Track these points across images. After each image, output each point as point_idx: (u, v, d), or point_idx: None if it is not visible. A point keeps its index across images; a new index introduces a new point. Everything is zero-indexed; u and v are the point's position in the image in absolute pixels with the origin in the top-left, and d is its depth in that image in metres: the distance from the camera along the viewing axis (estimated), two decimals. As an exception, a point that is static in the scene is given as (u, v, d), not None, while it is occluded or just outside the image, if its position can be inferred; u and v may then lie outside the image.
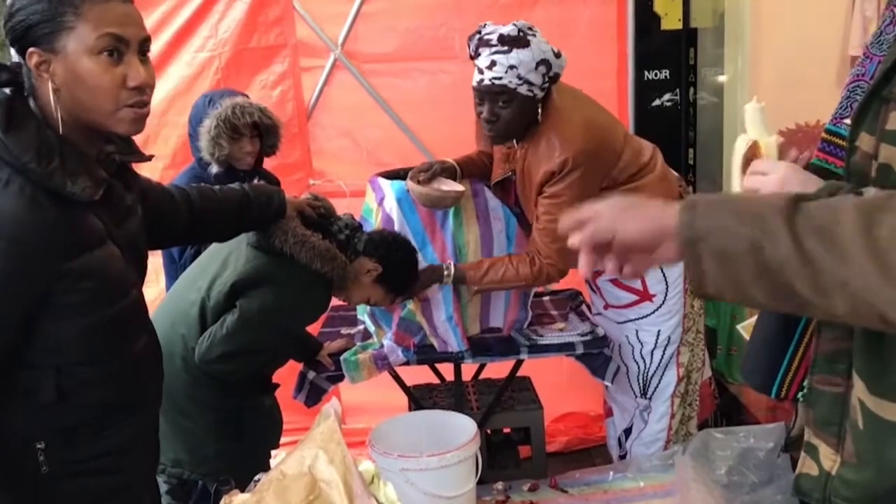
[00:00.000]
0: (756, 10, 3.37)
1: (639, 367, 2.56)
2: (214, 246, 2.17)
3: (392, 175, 2.52)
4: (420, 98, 3.34)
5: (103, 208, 1.35)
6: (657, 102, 3.39)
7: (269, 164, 3.20)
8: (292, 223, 1.97)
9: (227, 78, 3.22)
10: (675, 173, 2.54)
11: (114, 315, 1.36)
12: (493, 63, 2.14)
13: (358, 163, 3.38)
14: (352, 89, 3.36)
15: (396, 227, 2.40)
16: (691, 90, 3.41)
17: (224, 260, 2.06)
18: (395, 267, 2.24)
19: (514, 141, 2.34)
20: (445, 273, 2.36)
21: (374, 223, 2.49)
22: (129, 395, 1.43)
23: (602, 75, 3.25)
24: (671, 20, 3.34)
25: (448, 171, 2.46)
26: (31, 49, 1.26)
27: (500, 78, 2.14)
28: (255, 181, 2.65)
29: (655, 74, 3.36)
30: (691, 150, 3.45)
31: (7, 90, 1.29)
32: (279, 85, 3.31)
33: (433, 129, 3.35)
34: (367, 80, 3.35)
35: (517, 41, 2.12)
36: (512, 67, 2.13)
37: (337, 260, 2.03)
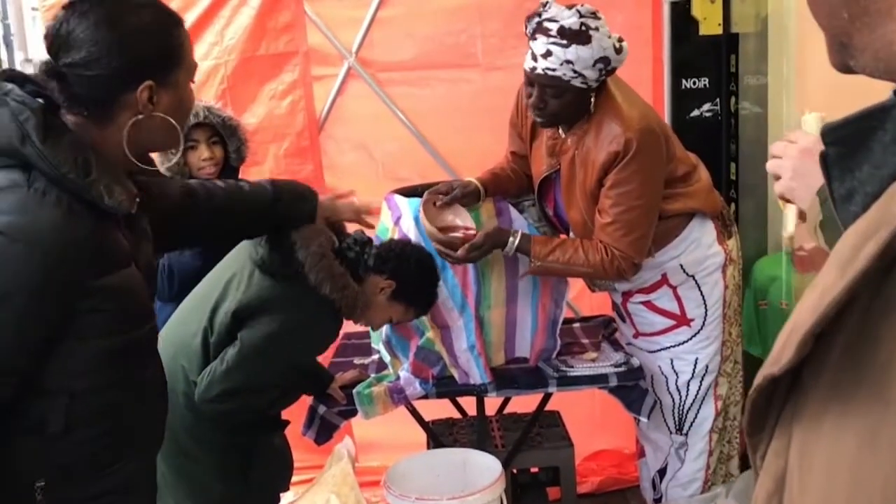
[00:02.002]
0: (802, 12, 3.32)
1: (674, 401, 2.52)
2: (218, 267, 2.14)
3: (409, 192, 2.50)
4: (439, 109, 3.33)
5: (127, 227, 1.40)
6: (696, 113, 3.35)
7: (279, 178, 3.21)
8: (323, 235, 1.92)
9: (233, 87, 3.22)
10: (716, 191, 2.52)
11: (133, 340, 1.39)
12: (549, 53, 2.15)
13: (373, 178, 3.37)
14: (367, 99, 3.35)
15: (414, 249, 2.37)
16: (732, 99, 3.38)
17: (226, 285, 2.03)
18: (410, 279, 2.19)
19: (561, 131, 2.34)
20: (511, 240, 2.29)
21: (390, 244, 2.46)
22: (134, 428, 1.44)
23: (636, 84, 3.12)
24: (710, 25, 3.31)
25: (471, 195, 2.43)
26: (147, 82, 1.35)
27: (553, 70, 2.16)
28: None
29: (694, 83, 3.33)
30: (733, 165, 3.41)
31: (39, 100, 1.32)
32: (289, 95, 3.30)
33: (453, 142, 3.33)
34: (383, 90, 3.35)
35: (578, 36, 2.13)
36: (568, 62, 2.14)
37: (348, 289, 1.99)
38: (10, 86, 1.31)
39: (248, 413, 2.01)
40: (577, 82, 2.17)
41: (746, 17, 3.43)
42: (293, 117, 3.30)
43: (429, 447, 2.70)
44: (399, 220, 2.43)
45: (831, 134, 0.59)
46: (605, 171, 2.23)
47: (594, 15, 2.17)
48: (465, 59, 3.26)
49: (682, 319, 2.45)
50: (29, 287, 1.25)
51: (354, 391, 2.41)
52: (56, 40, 1.34)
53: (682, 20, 3.27)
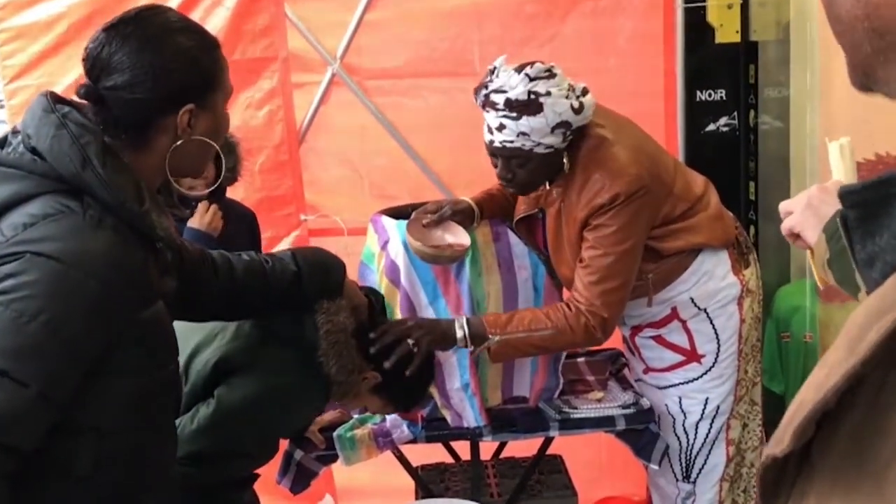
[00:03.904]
0: (826, 20, 3.31)
1: (681, 444, 2.48)
2: None
3: (398, 213, 2.46)
4: (432, 121, 3.32)
5: (157, 259, 1.47)
6: (711, 127, 3.37)
7: (253, 196, 3.18)
8: (343, 312, 1.92)
9: (206, 96, 3.19)
10: (731, 214, 2.47)
11: (162, 378, 1.46)
12: (503, 126, 2.15)
13: (358, 196, 3.36)
14: (352, 109, 3.34)
15: (403, 276, 2.33)
16: (752, 113, 3.38)
17: (213, 328, 1.95)
18: (399, 378, 2.11)
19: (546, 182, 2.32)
20: (458, 332, 2.22)
21: (375, 270, 2.42)
22: (154, 472, 1.50)
23: (646, 96, 3.21)
24: (727, 32, 3.32)
25: (462, 214, 2.40)
26: (188, 106, 1.44)
27: (511, 142, 2.16)
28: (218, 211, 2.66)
29: (709, 95, 3.35)
30: (752, 184, 3.39)
31: (92, 124, 1.39)
32: (267, 104, 3.27)
33: (447, 158, 3.32)
34: (371, 100, 3.34)
35: (528, 107, 2.11)
36: (523, 134, 2.14)
37: (353, 376, 1.95)
38: (66, 108, 1.38)
39: (215, 480, 1.93)
40: (540, 150, 2.16)
41: (766, 23, 3.42)
42: (271, 128, 3.27)
43: (417, 495, 2.65)
44: (386, 245, 2.39)
45: (849, 198, 0.63)
46: (587, 221, 2.21)
47: (548, 74, 2.13)
48: (460, 67, 3.23)
49: (692, 355, 2.41)
50: (83, 317, 1.30)
51: (335, 434, 2.36)
52: (97, 63, 1.41)
53: (697, 27, 3.28)
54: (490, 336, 2.21)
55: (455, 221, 2.38)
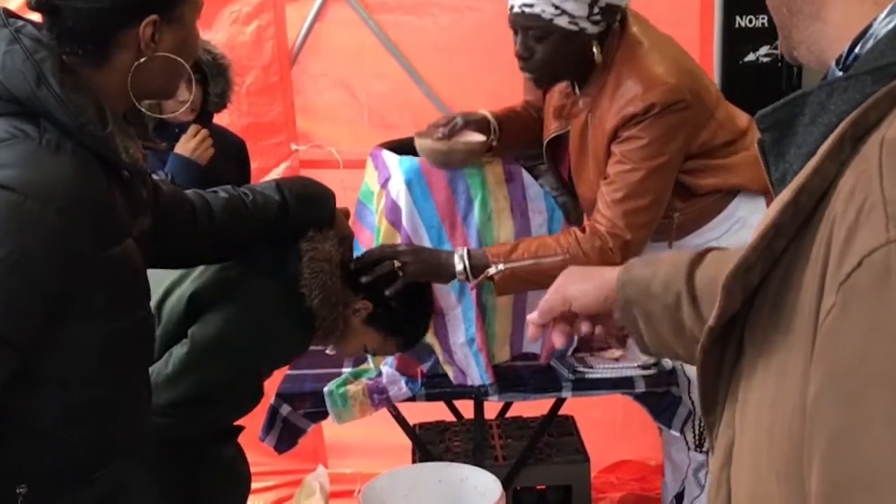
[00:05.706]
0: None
1: (695, 408, 2.46)
2: None
3: (402, 148, 2.39)
4: (440, 43, 3.31)
5: (127, 194, 1.45)
6: (751, 57, 3.33)
7: (239, 122, 3.16)
8: (330, 242, 1.91)
9: (187, 8, 3.15)
10: None
11: (131, 324, 1.45)
12: None
13: (356, 124, 3.36)
14: (351, 27, 3.33)
15: (405, 218, 2.28)
16: (796, 42, 3.31)
17: None
18: (392, 304, 2.09)
19: (574, 88, 2.26)
20: (458, 264, 2.17)
21: (374, 210, 2.37)
22: (121, 429, 1.48)
23: (680, 21, 3.15)
24: (773, -51, 3.24)
25: (476, 124, 2.35)
26: (151, 17, 1.39)
27: (531, 5, 2.10)
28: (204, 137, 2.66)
29: (750, 21, 3.30)
30: (794, 122, 3.36)
31: (47, 38, 1.36)
32: (255, 19, 3.26)
33: (456, 84, 3.30)
34: (372, 17, 3.32)
35: None
36: None
37: (337, 310, 1.92)
38: (20, 22, 1.36)
39: (198, 429, 1.93)
40: (562, 21, 2.09)
41: (817, -60, 3.36)
42: (260, 47, 3.26)
43: (414, 456, 2.66)
44: (387, 183, 2.33)
45: (764, 120, 0.74)
46: (616, 132, 2.15)
47: None
48: (473, -18, 3.23)
49: None
50: (42, 252, 1.28)
51: (325, 390, 2.34)
52: None
53: (739, -56, 3.26)
54: (492, 264, 2.15)
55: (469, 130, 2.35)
